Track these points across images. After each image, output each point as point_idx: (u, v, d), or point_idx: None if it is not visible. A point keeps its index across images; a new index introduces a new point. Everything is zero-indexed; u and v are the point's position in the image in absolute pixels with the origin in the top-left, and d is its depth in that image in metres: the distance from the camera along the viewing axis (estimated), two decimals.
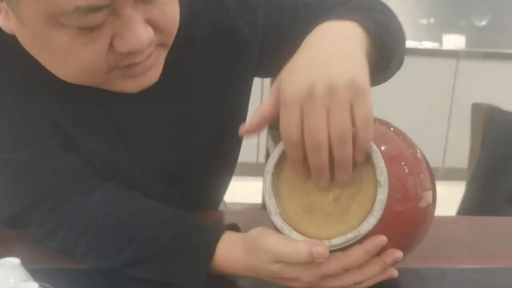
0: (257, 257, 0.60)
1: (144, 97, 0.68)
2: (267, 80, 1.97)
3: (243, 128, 0.58)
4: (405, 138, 0.64)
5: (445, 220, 0.90)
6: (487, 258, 0.78)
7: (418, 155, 0.63)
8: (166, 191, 0.80)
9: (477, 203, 1.50)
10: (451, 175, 3.01)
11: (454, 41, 3.74)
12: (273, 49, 0.75)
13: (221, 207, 1.00)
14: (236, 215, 0.91)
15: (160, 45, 0.63)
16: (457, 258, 0.78)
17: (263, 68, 0.79)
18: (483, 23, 3.98)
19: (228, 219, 0.87)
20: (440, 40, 3.82)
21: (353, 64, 0.56)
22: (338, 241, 0.57)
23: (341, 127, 0.53)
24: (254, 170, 2.83)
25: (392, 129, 0.64)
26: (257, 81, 0.84)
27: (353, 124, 0.54)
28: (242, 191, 1.98)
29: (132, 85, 0.64)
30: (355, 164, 0.57)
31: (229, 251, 0.63)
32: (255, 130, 0.58)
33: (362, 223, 0.57)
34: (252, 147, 3.24)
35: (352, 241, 0.57)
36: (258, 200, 1.76)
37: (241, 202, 1.49)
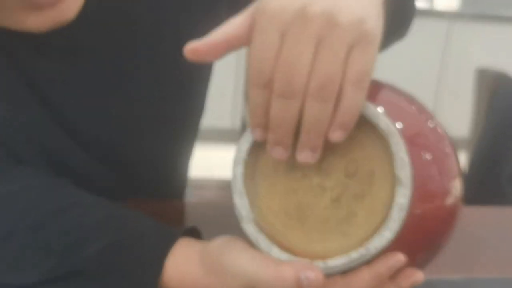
0: (221, 281, 0.43)
1: (70, 53, 0.54)
2: None
3: (188, 45, 0.40)
4: (420, 107, 0.46)
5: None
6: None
7: (439, 130, 0.46)
8: (107, 173, 0.64)
9: (480, 182, 1.38)
10: None
11: (446, 1, 3.56)
12: None
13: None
14: (202, 207, 0.72)
15: None
16: (484, 265, 0.61)
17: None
18: None
19: (189, 214, 0.68)
20: (431, 0, 3.64)
21: (367, 3, 0.39)
22: (337, 262, 0.40)
23: (327, 74, 0.37)
24: (229, 136, 2.67)
25: (404, 97, 0.46)
26: None
27: (343, 77, 0.38)
28: (214, 161, 1.82)
29: (37, 20, 0.48)
30: (361, 149, 0.40)
31: (183, 268, 0.46)
32: (204, 53, 0.40)
33: (372, 238, 0.40)
34: (225, 110, 3.05)
35: (357, 262, 0.40)
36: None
37: (213, 179, 1.31)
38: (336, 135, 0.39)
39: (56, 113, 0.59)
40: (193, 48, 0.40)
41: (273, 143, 0.40)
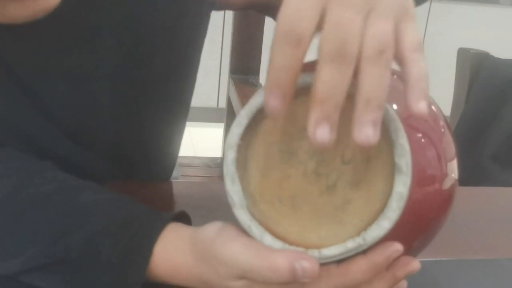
0: (212, 269, 0.42)
1: (50, 42, 0.53)
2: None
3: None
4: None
5: None
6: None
7: (434, 109, 0.44)
8: (95, 159, 0.62)
9: (462, 161, 1.38)
10: None
11: None
12: None
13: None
14: (190, 188, 0.71)
15: None
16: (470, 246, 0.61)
17: None
18: None
19: (177, 194, 0.67)
20: None
21: None
22: (332, 251, 0.39)
23: (385, 37, 0.34)
24: (215, 115, 2.65)
25: (395, 76, 0.45)
26: None
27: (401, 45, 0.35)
28: (200, 140, 1.79)
29: (18, 10, 0.44)
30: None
31: (172, 256, 0.44)
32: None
33: (370, 227, 0.38)
34: (211, 89, 3.01)
35: (354, 252, 0.39)
36: (218, 153, 1.56)
37: (199, 156, 1.29)
38: (421, 106, 0.35)
39: (38, 101, 0.56)
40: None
41: (319, 119, 0.33)
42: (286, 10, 0.33)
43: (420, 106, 0.35)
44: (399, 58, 0.35)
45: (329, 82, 0.33)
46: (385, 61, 0.34)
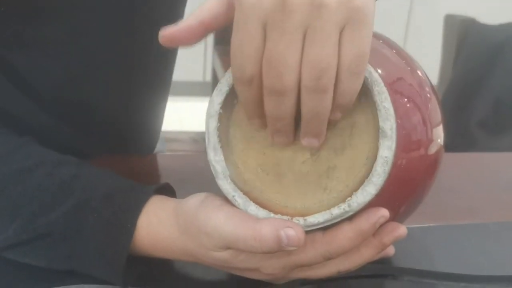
0: (197, 241, 0.41)
1: (25, 14, 0.51)
2: None
3: (163, 31, 0.38)
4: (399, 50, 0.44)
5: None
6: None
7: (420, 73, 0.44)
8: (75, 133, 0.61)
9: (449, 128, 1.38)
10: None
11: None
12: None
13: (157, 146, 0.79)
14: (174, 160, 0.70)
15: None
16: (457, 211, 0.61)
17: None
18: None
19: (161, 167, 0.66)
20: None
21: None
22: (318, 218, 0.38)
23: (321, 63, 0.34)
24: (201, 89, 2.63)
25: (381, 41, 0.44)
26: None
27: (338, 62, 0.35)
28: (185, 115, 1.78)
29: None
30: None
31: (156, 228, 0.44)
32: (180, 39, 0.38)
33: (356, 193, 0.38)
34: (196, 63, 2.98)
35: (339, 219, 0.38)
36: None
37: (185, 130, 1.28)
38: (334, 116, 0.37)
39: (13, 74, 0.55)
40: (169, 34, 0.38)
41: (273, 132, 0.39)
42: (233, 48, 0.36)
43: (332, 116, 0.37)
44: (336, 72, 0.35)
45: (273, 111, 0.36)
46: (324, 86, 0.35)
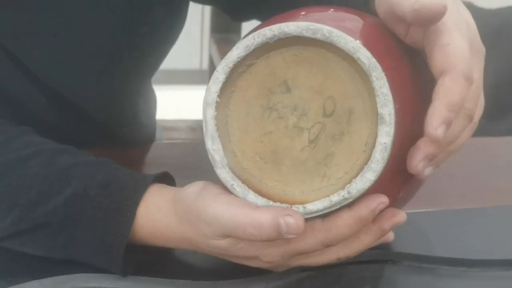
0: (196, 229, 0.41)
1: None
2: None
3: None
4: (396, 34, 0.43)
5: None
6: None
7: (418, 58, 0.43)
8: (71, 122, 0.60)
9: None
10: None
11: None
12: None
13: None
14: (173, 149, 0.69)
15: None
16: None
17: None
18: None
19: (159, 156, 0.66)
20: None
21: None
22: (317, 205, 0.38)
23: None
24: (198, 77, 2.62)
25: (378, 25, 0.43)
26: None
27: None
28: (183, 103, 1.77)
29: None
30: (339, 85, 0.38)
31: (155, 217, 0.44)
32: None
33: (355, 180, 0.38)
34: (193, 51, 2.97)
35: (338, 206, 0.38)
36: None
37: (183, 119, 1.28)
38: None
39: (17, 61, 0.55)
40: None
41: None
42: None
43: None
44: None
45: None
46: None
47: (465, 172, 0.67)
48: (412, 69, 0.41)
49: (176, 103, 2.30)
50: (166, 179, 0.48)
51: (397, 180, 0.41)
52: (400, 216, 0.41)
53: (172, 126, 1.17)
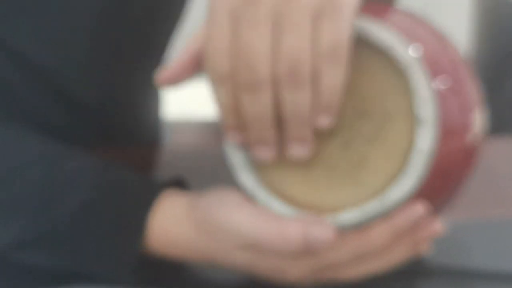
0: (215, 241, 0.38)
1: None
2: None
3: (158, 76, 0.38)
4: (433, 30, 0.41)
5: None
6: None
7: (456, 55, 0.40)
8: (65, 117, 0.57)
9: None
10: None
11: None
12: None
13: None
14: (183, 151, 0.66)
15: None
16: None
17: None
18: None
19: (169, 159, 0.62)
20: None
21: None
22: (349, 215, 0.35)
23: (294, 53, 0.34)
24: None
25: (415, 20, 0.41)
26: None
27: (315, 52, 0.34)
28: (190, 100, 1.74)
29: None
30: (373, 84, 0.36)
31: (170, 227, 0.41)
32: (177, 78, 0.38)
33: (389, 187, 0.34)
34: None
35: (372, 216, 0.35)
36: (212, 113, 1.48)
37: (193, 119, 1.24)
38: (322, 121, 0.36)
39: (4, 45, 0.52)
40: (164, 78, 0.38)
41: (254, 142, 0.37)
42: (205, 47, 0.36)
43: (320, 121, 0.36)
44: (314, 65, 0.34)
45: (249, 111, 0.35)
46: (300, 79, 0.34)
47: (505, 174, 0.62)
48: (449, 60, 0.39)
49: (182, 101, 2.26)
50: (178, 183, 0.45)
51: (434, 186, 0.38)
52: (437, 226, 0.38)
53: (179, 128, 1.13)
